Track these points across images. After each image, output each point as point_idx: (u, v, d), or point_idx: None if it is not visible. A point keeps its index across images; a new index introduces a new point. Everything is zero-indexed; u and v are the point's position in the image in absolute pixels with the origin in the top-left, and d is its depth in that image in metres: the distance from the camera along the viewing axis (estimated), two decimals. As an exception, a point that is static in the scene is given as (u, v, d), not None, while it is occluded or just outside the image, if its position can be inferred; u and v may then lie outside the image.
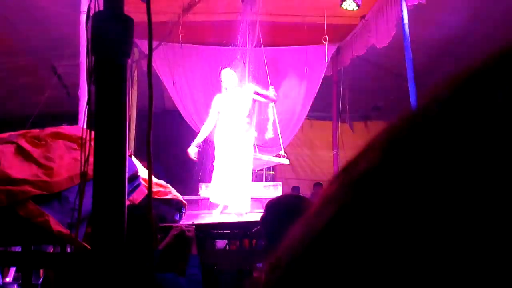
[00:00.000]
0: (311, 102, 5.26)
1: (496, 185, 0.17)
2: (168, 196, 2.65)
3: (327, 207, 0.22)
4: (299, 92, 5.19)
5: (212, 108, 4.01)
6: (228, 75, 3.95)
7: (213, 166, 3.94)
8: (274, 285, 0.23)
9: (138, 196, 2.18)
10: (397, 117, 0.23)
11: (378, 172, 0.21)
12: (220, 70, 4.04)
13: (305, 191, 6.27)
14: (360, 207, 0.20)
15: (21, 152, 1.90)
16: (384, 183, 0.20)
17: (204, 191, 4.56)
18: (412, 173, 0.19)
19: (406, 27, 3.66)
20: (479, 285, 0.16)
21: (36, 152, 1.90)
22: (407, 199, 0.19)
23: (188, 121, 5.26)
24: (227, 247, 3.44)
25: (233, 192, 3.68)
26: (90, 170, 1.08)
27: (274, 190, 4.40)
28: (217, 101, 4.00)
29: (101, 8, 1.02)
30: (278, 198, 1.60)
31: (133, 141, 4.78)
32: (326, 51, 4.68)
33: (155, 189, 2.45)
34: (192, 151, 3.92)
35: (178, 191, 2.82)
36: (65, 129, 2.10)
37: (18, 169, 1.81)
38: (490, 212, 0.17)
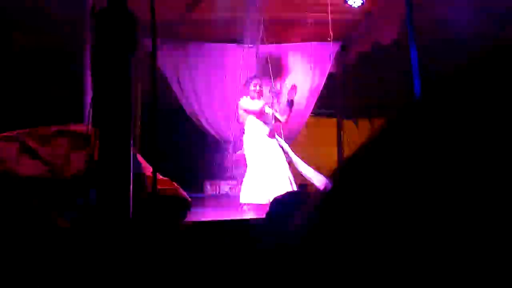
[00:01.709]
0: (316, 99, 5.26)
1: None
2: (173, 194, 2.66)
3: (337, 193, 0.23)
4: (304, 89, 5.18)
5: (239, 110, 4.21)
6: (259, 83, 4.21)
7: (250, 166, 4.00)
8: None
9: (143, 193, 2.18)
10: (395, 112, 0.23)
11: (376, 159, 0.21)
12: (252, 78, 4.24)
13: (310, 188, 6.26)
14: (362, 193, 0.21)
15: (27, 150, 1.92)
16: (380, 169, 0.21)
17: (209, 188, 4.57)
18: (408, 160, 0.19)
19: (411, 23, 3.64)
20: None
21: (42, 150, 1.92)
22: (400, 185, 0.19)
23: (192, 118, 5.27)
24: None
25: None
26: (96, 168, 1.08)
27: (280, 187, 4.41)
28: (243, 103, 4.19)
29: (105, 5, 1.02)
30: (283, 195, 1.61)
31: (138, 139, 4.79)
32: (331, 47, 4.67)
33: (159, 186, 2.46)
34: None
35: (182, 189, 2.82)
36: (71, 127, 2.11)
37: (24, 167, 1.82)
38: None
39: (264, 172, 3.85)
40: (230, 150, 4.38)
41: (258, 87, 4.15)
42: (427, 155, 0.19)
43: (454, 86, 0.21)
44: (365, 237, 0.20)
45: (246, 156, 4.00)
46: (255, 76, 4.29)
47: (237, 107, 4.24)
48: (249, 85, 4.17)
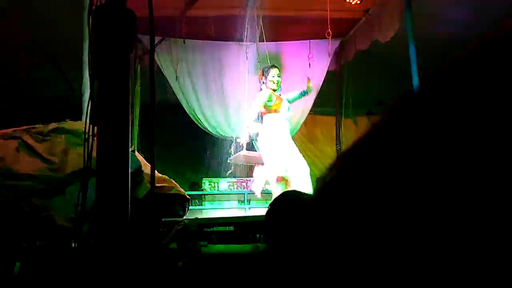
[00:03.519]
0: (314, 97, 5.26)
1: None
2: (172, 191, 2.66)
3: (327, 193, 0.22)
4: (302, 87, 5.18)
5: (259, 102, 4.00)
6: (277, 73, 4.05)
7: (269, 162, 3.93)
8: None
9: (141, 191, 2.18)
10: (392, 104, 0.23)
11: (373, 157, 0.21)
12: (270, 68, 4.08)
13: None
14: (358, 193, 0.20)
15: (25, 147, 1.91)
16: (379, 168, 0.20)
17: (208, 186, 4.57)
18: (408, 158, 0.19)
19: (410, 21, 3.63)
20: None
21: (40, 147, 1.91)
22: (402, 184, 0.19)
23: (191, 116, 5.27)
24: None
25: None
26: (93, 165, 1.08)
27: (279, 185, 4.40)
28: (266, 96, 3.99)
29: (103, 2, 1.01)
30: (283, 194, 1.61)
31: (136, 137, 4.79)
32: (330, 45, 4.66)
33: (158, 184, 2.46)
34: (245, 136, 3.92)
35: (181, 186, 2.83)
36: (69, 124, 2.11)
37: (22, 164, 1.82)
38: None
39: (286, 166, 3.81)
40: (233, 149, 4.33)
41: (277, 77, 3.99)
42: (426, 149, 0.19)
43: (453, 76, 0.21)
44: (360, 236, 0.20)
45: (268, 152, 3.92)
46: (273, 66, 4.12)
47: (254, 103, 4.08)
48: (268, 75, 3.99)
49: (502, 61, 0.19)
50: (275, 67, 4.10)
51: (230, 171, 4.41)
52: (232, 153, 4.33)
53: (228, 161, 4.37)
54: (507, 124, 0.17)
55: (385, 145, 0.21)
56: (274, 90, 4.01)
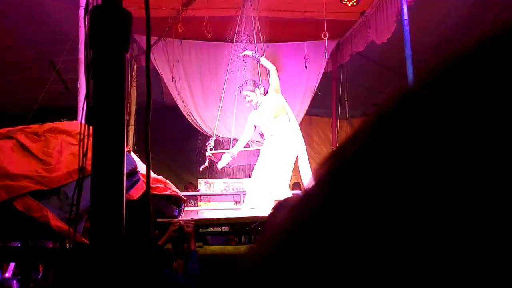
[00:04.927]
0: (310, 98, 5.26)
1: (481, 170, 0.17)
2: (167, 192, 2.65)
3: (316, 192, 0.22)
4: (298, 88, 5.18)
5: (248, 123, 4.03)
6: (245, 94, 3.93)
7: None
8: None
9: (137, 191, 2.18)
10: (385, 99, 0.22)
11: (364, 155, 0.20)
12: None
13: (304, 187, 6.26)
14: (347, 192, 0.20)
15: (20, 147, 1.90)
16: (369, 166, 0.19)
17: (203, 187, 4.56)
18: (398, 155, 0.19)
19: (406, 23, 3.65)
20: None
21: (35, 147, 1.90)
22: (392, 183, 0.18)
23: (186, 117, 5.27)
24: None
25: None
26: (88, 165, 1.08)
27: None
28: (252, 116, 4.00)
29: (100, 2, 1.01)
30: (287, 199, 1.64)
31: (132, 137, 4.78)
32: (326, 47, 4.68)
33: (154, 184, 2.45)
34: (225, 160, 3.94)
35: (176, 187, 2.82)
36: (64, 124, 2.10)
37: (17, 164, 1.81)
38: (475, 202, 0.16)
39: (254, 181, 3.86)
40: (211, 146, 4.34)
41: (246, 98, 3.89)
42: (421, 150, 0.19)
43: (449, 73, 0.20)
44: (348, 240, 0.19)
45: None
46: (240, 88, 4.04)
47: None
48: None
49: (499, 58, 0.19)
50: (240, 89, 4.00)
51: (204, 166, 4.39)
52: (213, 148, 4.35)
53: (207, 154, 4.35)
54: (506, 122, 0.17)
55: (377, 142, 0.21)
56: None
